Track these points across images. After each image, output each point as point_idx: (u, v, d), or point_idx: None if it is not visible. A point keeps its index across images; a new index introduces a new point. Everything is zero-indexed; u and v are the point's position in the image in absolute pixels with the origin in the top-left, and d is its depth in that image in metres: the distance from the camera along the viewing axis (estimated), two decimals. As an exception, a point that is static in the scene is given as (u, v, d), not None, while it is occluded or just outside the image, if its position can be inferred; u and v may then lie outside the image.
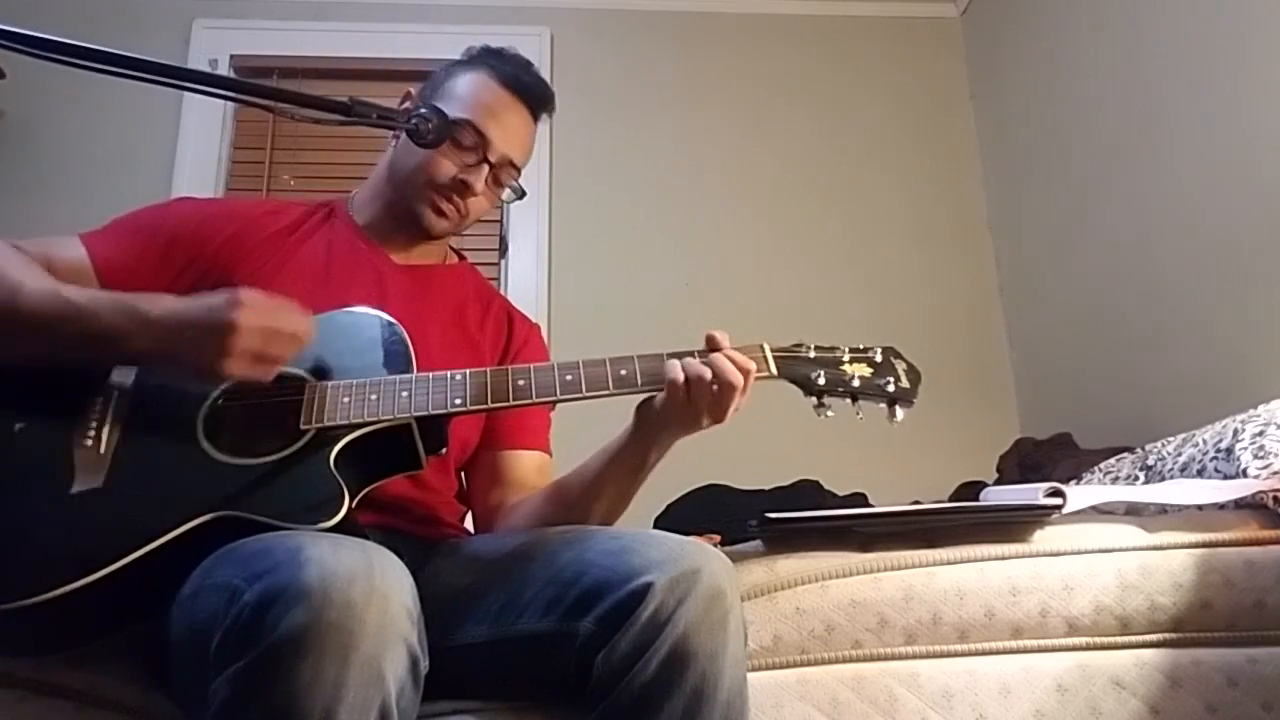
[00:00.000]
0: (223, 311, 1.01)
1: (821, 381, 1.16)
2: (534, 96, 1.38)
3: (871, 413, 1.19)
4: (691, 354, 1.13)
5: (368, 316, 1.20)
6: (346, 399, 1.09)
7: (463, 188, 1.32)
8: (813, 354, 1.19)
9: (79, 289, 1.09)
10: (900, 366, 1.21)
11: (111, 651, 1.04)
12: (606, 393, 1.13)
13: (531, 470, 1.36)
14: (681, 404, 1.10)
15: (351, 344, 1.17)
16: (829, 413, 1.17)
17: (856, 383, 1.17)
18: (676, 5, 3.15)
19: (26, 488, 1.02)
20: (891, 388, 1.18)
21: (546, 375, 1.13)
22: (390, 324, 1.18)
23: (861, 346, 1.21)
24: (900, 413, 1.18)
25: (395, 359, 1.15)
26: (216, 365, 1.01)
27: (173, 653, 0.96)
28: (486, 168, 1.33)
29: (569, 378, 1.13)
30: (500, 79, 1.36)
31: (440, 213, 1.34)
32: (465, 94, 1.34)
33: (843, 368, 1.18)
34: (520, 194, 1.40)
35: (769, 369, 1.16)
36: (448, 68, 1.41)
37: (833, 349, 1.20)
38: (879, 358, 1.20)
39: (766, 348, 1.18)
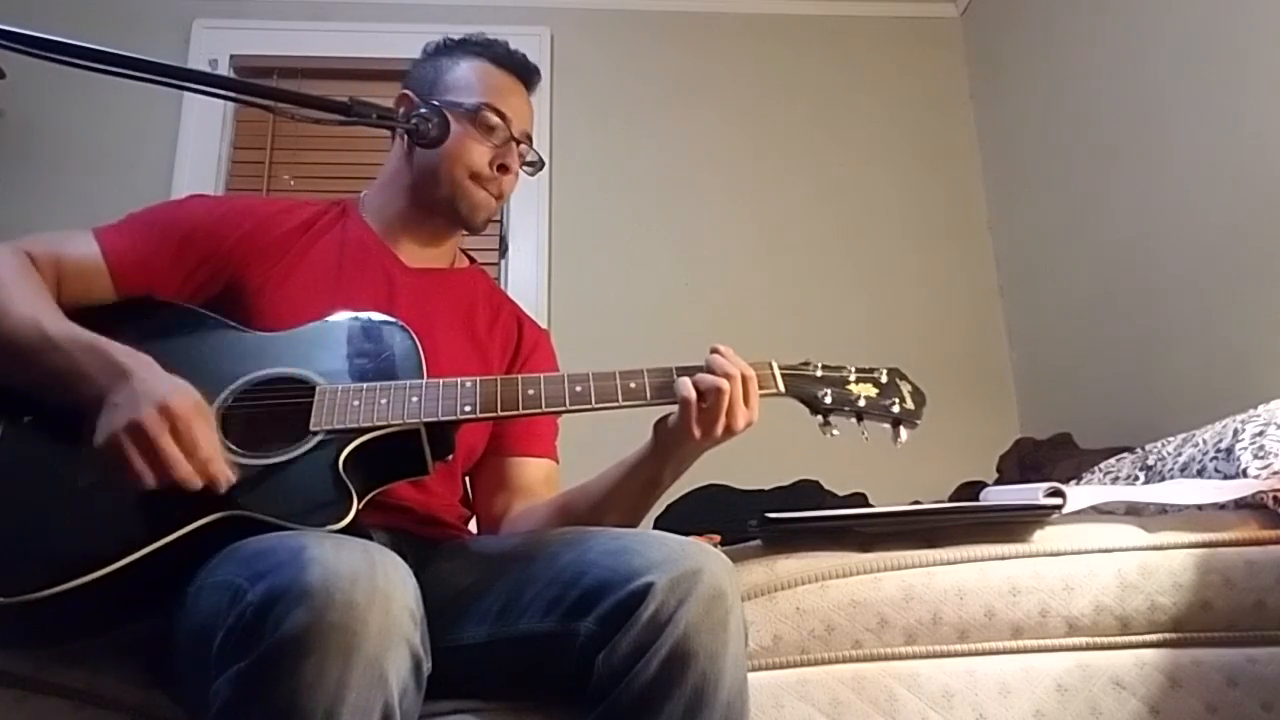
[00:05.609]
0: (140, 409, 0.95)
1: (828, 401, 1.18)
2: (527, 71, 1.43)
3: (875, 432, 1.20)
4: (700, 368, 1.14)
5: (380, 321, 1.20)
6: (356, 402, 1.09)
7: (503, 171, 1.35)
8: (819, 373, 1.20)
9: (62, 324, 1.05)
10: (906, 388, 1.22)
11: (112, 650, 1.04)
12: (615, 405, 1.13)
13: (538, 478, 1.36)
14: (694, 418, 1.11)
15: (362, 348, 1.17)
16: (834, 431, 1.18)
17: (862, 403, 1.19)
18: (676, 5, 3.15)
19: (34, 482, 1.02)
20: (896, 409, 1.19)
21: (556, 386, 1.14)
22: (402, 329, 1.19)
23: (868, 367, 1.22)
24: (904, 434, 1.20)
25: (405, 364, 1.15)
26: (104, 437, 0.97)
27: (175, 652, 0.96)
28: (514, 145, 1.36)
29: (579, 389, 1.13)
30: (494, 61, 1.39)
31: (486, 202, 1.35)
32: (472, 81, 1.37)
33: (849, 387, 1.19)
34: (540, 164, 1.42)
35: (776, 386, 1.17)
36: (432, 64, 1.41)
37: (839, 368, 1.21)
38: (884, 378, 1.21)
39: (774, 365, 1.19)
